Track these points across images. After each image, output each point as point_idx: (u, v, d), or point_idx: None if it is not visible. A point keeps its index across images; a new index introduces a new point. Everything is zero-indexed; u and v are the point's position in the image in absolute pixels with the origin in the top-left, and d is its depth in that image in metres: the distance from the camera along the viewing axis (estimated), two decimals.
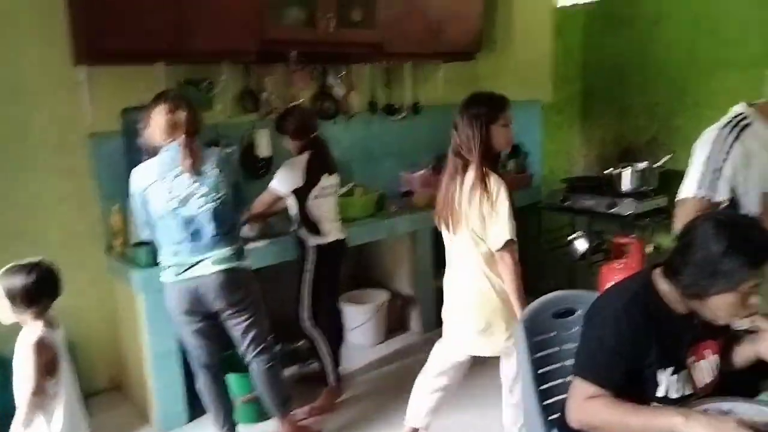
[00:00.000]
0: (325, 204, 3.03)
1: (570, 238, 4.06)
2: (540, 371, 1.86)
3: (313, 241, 3.01)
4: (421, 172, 4.18)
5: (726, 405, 1.51)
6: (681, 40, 3.85)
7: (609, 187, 3.78)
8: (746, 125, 1.91)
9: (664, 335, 1.49)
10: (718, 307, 1.43)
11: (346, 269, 3.61)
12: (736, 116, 1.94)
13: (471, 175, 2.32)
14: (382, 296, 4.00)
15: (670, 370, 1.50)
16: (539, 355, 1.88)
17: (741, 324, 1.56)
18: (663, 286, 1.52)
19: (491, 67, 4.61)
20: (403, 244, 3.94)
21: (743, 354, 1.63)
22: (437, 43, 3.96)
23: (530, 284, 4.13)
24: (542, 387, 1.86)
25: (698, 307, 1.47)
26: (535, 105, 4.46)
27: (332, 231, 3.07)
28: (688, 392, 1.52)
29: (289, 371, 3.44)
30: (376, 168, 4.20)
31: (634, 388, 1.48)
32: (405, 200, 3.99)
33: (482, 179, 2.28)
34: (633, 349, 1.46)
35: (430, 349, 3.74)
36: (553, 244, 4.28)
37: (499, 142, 2.37)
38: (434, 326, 4.01)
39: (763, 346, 1.57)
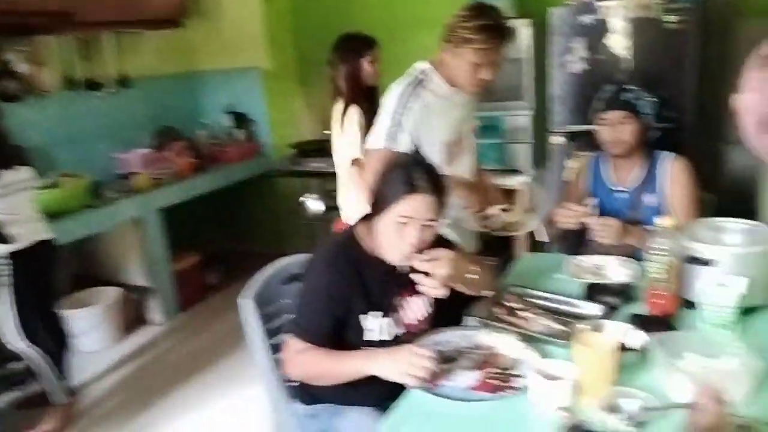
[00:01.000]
0: (12, 204, 2.57)
1: (301, 199, 4.13)
2: (272, 341, 1.82)
3: (2, 249, 2.55)
4: (141, 151, 3.85)
5: (437, 337, 1.66)
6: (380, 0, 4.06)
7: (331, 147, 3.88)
8: (423, 80, 2.03)
9: (371, 282, 1.57)
10: (381, 233, 1.51)
11: (66, 270, 3.19)
12: (416, 72, 2.06)
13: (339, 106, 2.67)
14: (112, 293, 3.63)
15: (379, 314, 1.58)
16: (269, 325, 1.84)
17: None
18: (364, 234, 1.60)
19: (203, 34, 4.40)
20: (130, 232, 3.61)
21: None
22: (137, 11, 3.63)
23: (275, 254, 4.12)
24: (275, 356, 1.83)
25: (377, 248, 1.56)
26: (253, 72, 4.39)
27: (28, 233, 2.62)
28: (397, 333, 1.62)
29: (5, 398, 2.96)
30: (85, 152, 3.74)
31: (348, 335, 1.56)
32: (124, 184, 3.62)
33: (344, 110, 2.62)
34: (338, 300, 1.53)
35: (175, 339, 3.56)
36: (289, 209, 4.31)
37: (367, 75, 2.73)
38: (176, 313, 3.80)
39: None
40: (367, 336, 1.57)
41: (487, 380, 1.46)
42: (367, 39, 2.85)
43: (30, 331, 2.67)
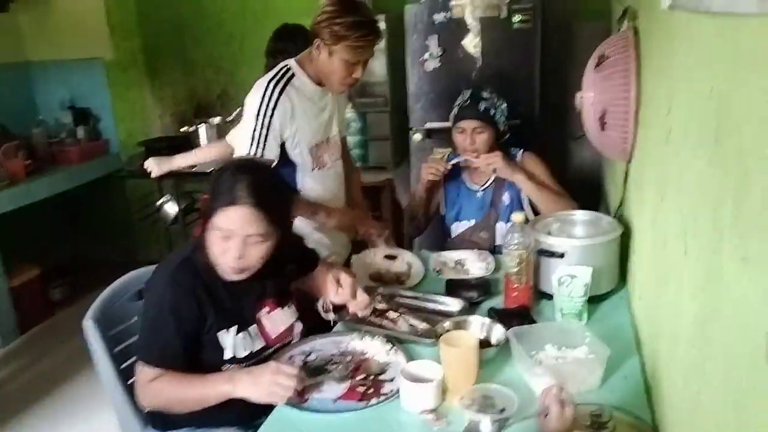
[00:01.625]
0: None
1: (159, 203, 3.86)
2: (123, 366, 1.67)
3: None
4: None
5: (306, 346, 1.61)
6: None
7: (188, 146, 3.66)
8: (291, 77, 1.93)
9: (222, 296, 1.47)
10: (211, 250, 1.41)
11: None
12: (281, 68, 1.95)
13: None
14: None
15: (233, 330, 1.48)
16: (121, 347, 1.68)
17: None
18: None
19: (36, 20, 3.97)
20: None
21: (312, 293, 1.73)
22: None
23: (128, 263, 3.82)
24: (131, 381, 1.68)
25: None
26: (96, 63, 4.04)
27: None
28: (258, 347, 1.53)
29: None
30: None
31: (204, 355, 1.46)
32: None
33: None
34: (186, 318, 1.42)
35: (13, 365, 3.19)
36: (143, 213, 4.02)
37: None
38: (14, 335, 3.40)
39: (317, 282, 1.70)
40: (227, 354, 1.47)
41: (356, 388, 1.44)
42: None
43: None
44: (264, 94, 1.87)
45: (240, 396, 1.37)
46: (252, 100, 1.89)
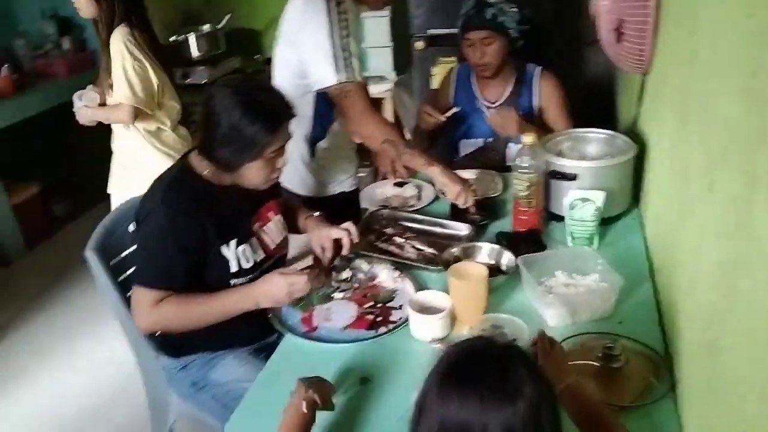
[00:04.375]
0: None
1: None
2: (130, 294, 1.66)
3: None
4: None
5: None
6: None
7: (180, 56, 3.51)
8: None
9: (218, 211, 1.44)
10: (251, 176, 1.43)
11: None
12: None
13: None
14: None
15: (233, 242, 1.47)
16: (125, 276, 1.67)
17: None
18: (201, 164, 1.45)
19: None
20: None
21: (301, 225, 1.70)
22: None
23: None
24: None
25: (236, 178, 1.45)
26: None
27: None
28: (261, 257, 1.53)
29: None
30: None
31: (205, 273, 1.44)
32: None
33: None
34: (184, 237, 1.39)
35: (23, 282, 3.19)
36: None
37: None
38: (21, 251, 3.41)
39: (311, 241, 1.64)
40: (231, 267, 1.46)
41: (365, 316, 1.43)
42: None
43: None
44: (329, 13, 1.65)
45: (254, 306, 1.39)
46: (314, 20, 1.66)
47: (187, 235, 1.39)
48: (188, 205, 1.40)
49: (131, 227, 1.63)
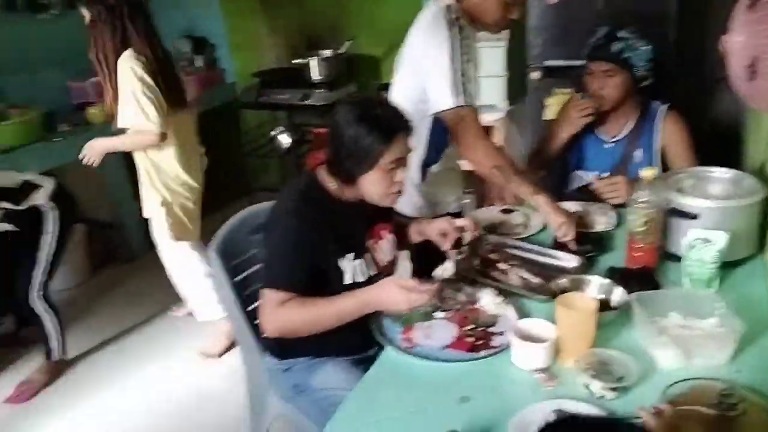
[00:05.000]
0: None
1: (273, 134, 3.97)
2: (246, 293, 1.76)
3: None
4: (95, 79, 3.58)
5: None
6: None
7: (301, 78, 3.71)
8: (456, 18, 1.74)
9: (339, 225, 1.52)
10: (369, 187, 1.49)
11: None
12: (444, 7, 1.75)
13: None
14: (77, 230, 3.49)
15: (351, 256, 1.54)
16: (241, 277, 1.77)
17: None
18: (327, 179, 1.54)
19: None
20: (90, 167, 3.42)
21: (414, 234, 1.76)
22: None
23: (242, 190, 4.00)
24: (249, 308, 1.78)
25: (357, 192, 1.52)
26: None
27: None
28: (372, 273, 1.59)
29: None
30: (35, 81, 3.48)
31: (322, 282, 1.51)
32: (80, 115, 3.41)
33: None
34: (309, 246, 1.48)
35: (144, 277, 3.45)
36: (256, 144, 4.15)
37: None
38: (145, 251, 3.68)
39: (429, 228, 1.70)
40: (346, 279, 1.54)
41: (465, 338, 1.44)
42: None
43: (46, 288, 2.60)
44: (451, 39, 1.71)
45: (373, 309, 1.45)
46: (435, 45, 1.72)
47: (312, 244, 1.48)
48: (314, 217, 1.49)
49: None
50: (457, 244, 1.65)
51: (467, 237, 1.63)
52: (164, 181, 2.57)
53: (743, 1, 1.63)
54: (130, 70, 2.36)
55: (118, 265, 3.62)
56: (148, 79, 2.37)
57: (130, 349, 2.94)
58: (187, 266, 2.72)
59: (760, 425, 1.09)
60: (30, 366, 2.76)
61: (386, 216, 1.67)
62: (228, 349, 2.77)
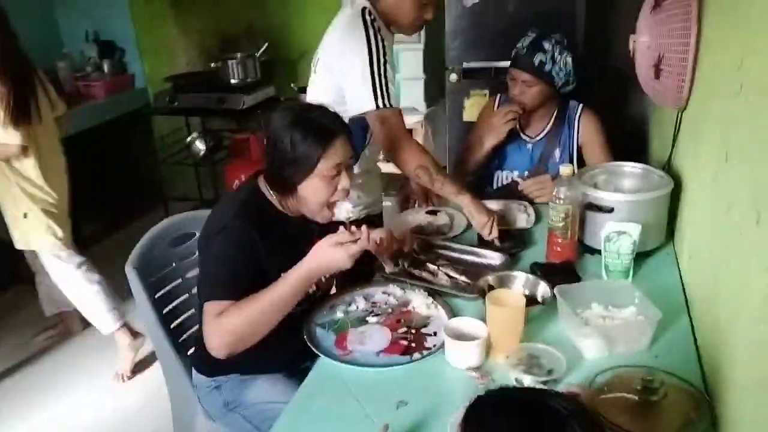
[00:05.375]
0: None
1: (188, 140, 3.85)
2: (165, 311, 1.69)
3: None
4: None
5: (347, 296, 1.62)
6: None
7: (216, 81, 3.61)
8: (373, 20, 1.74)
9: (280, 236, 1.48)
10: (310, 195, 1.46)
11: None
12: (361, 8, 1.75)
13: None
14: None
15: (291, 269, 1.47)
16: (162, 293, 1.70)
17: None
18: (267, 190, 1.51)
19: None
20: None
21: None
22: None
23: (156, 199, 3.84)
24: (173, 325, 1.71)
25: (296, 204, 1.48)
26: None
27: None
28: (312, 289, 1.54)
29: None
30: None
31: (265, 284, 1.43)
32: None
33: None
34: (254, 255, 1.43)
35: None
36: (169, 151, 4.00)
37: None
38: None
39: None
40: None
41: (399, 341, 1.44)
42: None
43: None
44: (369, 41, 1.71)
45: (320, 270, 1.40)
46: (354, 48, 1.72)
47: (255, 253, 1.42)
48: (256, 229, 1.43)
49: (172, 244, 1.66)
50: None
51: (405, 249, 1.64)
52: (26, 189, 2.47)
53: (648, 3, 1.72)
54: None
55: (21, 286, 3.38)
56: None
57: (38, 378, 2.76)
58: (73, 278, 2.63)
59: (679, 405, 1.15)
60: None
61: (326, 229, 1.61)
62: (136, 362, 2.71)
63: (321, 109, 1.47)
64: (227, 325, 1.36)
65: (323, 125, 1.43)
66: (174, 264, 1.76)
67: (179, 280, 1.75)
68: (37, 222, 2.51)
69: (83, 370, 2.77)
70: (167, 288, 1.72)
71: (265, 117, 1.50)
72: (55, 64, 3.75)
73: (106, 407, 2.54)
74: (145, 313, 1.66)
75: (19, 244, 2.58)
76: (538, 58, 1.96)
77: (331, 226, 1.51)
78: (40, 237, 2.54)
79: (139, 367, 2.72)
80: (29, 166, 2.45)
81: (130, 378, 2.69)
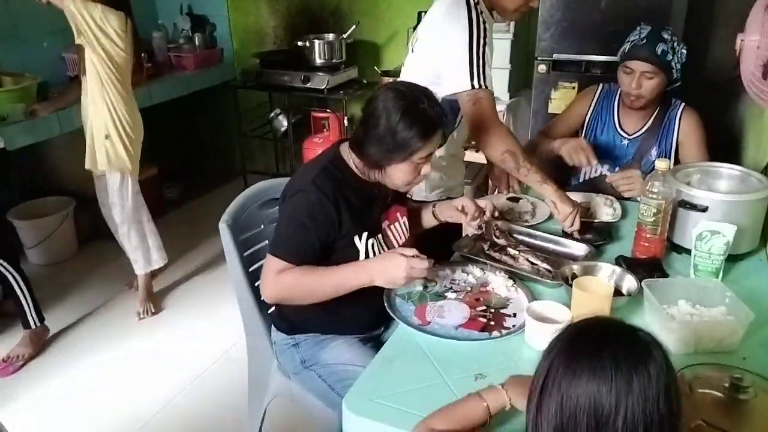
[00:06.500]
0: None
1: (271, 116, 3.95)
2: (251, 269, 1.76)
3: None
4: None
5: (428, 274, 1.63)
6: None
7: (302, 60, 3.69)
8: (477, 2, 1.73)
9: (356, 204, 1.52)
10: (395, 176, 1.49)
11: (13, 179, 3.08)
12: None
13: None
14: (65, 204, 3.45)
15: (365, 235, 1.53)
16: (249, 252, 1.77)
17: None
18: (350, 158, 1.54)
19: None
20: (81, 140, 3.36)
21: (426, 218, 1.77)
22: None
23: (235, 171, 3.99)
24: (257, 284, 1.78)
25: (380, 176, 1.51)
26: None
27: None
28: None
29: None
30: (28, 51, 3.42)
31: (338, 258, 1.50)
32: (75, 86, 3.34)
33: None
34: (324, 221, 1.47)
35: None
36: (252, 125, 4.13)
37: None
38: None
39: (444, 214, 1.72)
40: (360, 258, 1.53)
41: (478, 318, 1.46)
42: None
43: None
44: (468, 19, 1.70)
45: (368, 282, 1.44)
46: (456, 27, 1.72)
47: (328, 219, 1.46)
48: (333, 193, 1.47)
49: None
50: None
51: (487, 216, 1.66)
52: (114, 113, 2.78)
53: (761, 2, 1.66)
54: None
55: (105, 240, 3.57)
56: None
57: (114, 322, 2.93)
58: (130, 202, 2.91)
59: None
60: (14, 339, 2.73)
61: (402, 199, 1.67)
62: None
63: (431, 100, 1.46)
64: (283, 285, 1.46)
65: (430, 118, 1.43)
66: (262, 226, 1.83)
67: (265, 242, 1.82)
68: (116, 143, 2.78)
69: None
70: (254, 248, 1.79)
71: (374, 92, 1.51)
72: (150, 34, 3.94)
73: (186, 356, 2.67)
74: (233, 269, 1.73)
75: (100, 165, 2.83)
76: (660, 48, 1.90)
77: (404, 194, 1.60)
78: (116, 156, 2.80)
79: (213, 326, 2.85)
80: (122, 93, 2.78)
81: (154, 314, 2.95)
